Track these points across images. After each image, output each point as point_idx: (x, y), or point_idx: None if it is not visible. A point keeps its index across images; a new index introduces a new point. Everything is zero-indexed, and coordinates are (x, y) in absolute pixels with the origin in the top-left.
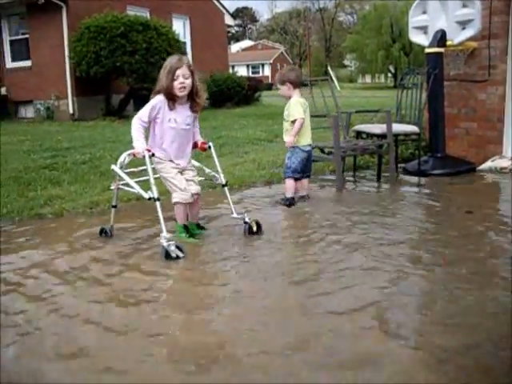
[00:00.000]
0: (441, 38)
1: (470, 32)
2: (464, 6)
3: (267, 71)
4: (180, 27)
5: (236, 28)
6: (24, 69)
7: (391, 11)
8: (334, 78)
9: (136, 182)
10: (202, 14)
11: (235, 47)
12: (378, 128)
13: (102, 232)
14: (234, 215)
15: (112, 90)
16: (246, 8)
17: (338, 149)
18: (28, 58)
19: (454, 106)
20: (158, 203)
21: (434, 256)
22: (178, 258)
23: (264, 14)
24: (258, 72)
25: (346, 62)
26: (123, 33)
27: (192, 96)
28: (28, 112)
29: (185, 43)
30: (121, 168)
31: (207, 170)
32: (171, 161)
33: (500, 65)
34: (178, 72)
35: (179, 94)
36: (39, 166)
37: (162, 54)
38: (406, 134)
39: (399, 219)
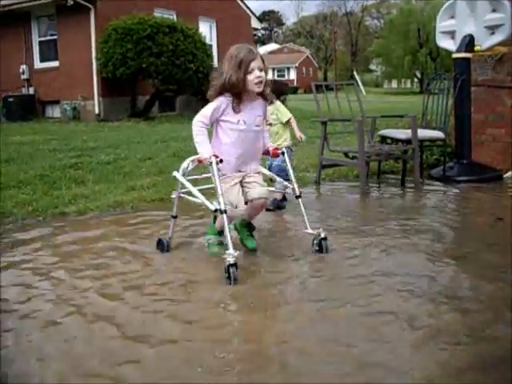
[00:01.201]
0: (469, 43)
1: (499, 37)
2: (494, 10)
3: (293, 75)
4: (206, 30)
5: (262, 31)
6: (52, 69)
7: (418, 16)
8: (359, 83)
9: (199, 190)
10: (228, 16)
11: (261, 50)
12: (403, 133)
13: (159, 244)
14: (309, 230)
15: (138, 92)
16: (272, 11)
17: (362, 153)
18: (56, 59)
19: (480, 111)
20: (224, 216)
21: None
22: (234, 281)
23: (290, 18)
24: (284, 75)
25: (372, 67)
26: (150, 35)
27: (262, 92)
28: (55, 112)
29: (211, 46)
30: (183, 175)
31: (278, 179)
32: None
33: None
34: (253, 64)
35: (256, 89)
36: (64, 165)
37: (187, 57)
38: (432, 140)
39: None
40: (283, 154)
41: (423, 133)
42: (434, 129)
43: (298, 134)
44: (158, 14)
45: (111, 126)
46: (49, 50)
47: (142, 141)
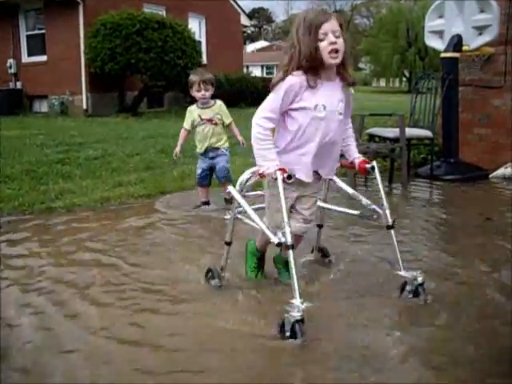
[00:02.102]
0: (457, 43)
1: (487, 37)
2: (481, 11)
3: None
4: (196, 26)
5: (252, 28)
6: (40, 64)
7: (407, 15)
8: None
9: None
10: (218, 13)
11: (250, 47)
12: (391, 132)
13: (209, 273)
14: (402, 273)
15: (126, 87)
16: (262, 9)
17: None
18: (44, 54)
19: (468, 111)
20: (291, 253)
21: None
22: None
23: (280, 15)
24: (273, 73)
25: (361, 65)
26: (139, 30)
27: (341, 66)
28: (42, 107)
29: (200, 42)
30: (241, 191)
31: (364, 201)
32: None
33: None
34: (326, 27)
35: (331, 61)
36: (52, 160)
37: (176, 53)
38: (419, 139)
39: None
40: (373, 169)
41: (411, 131)
42: (421, 128)
43: (240, 137)
44: (148, 9)
45: (99, 122)
46: (36, 45)
47: (130, 137)
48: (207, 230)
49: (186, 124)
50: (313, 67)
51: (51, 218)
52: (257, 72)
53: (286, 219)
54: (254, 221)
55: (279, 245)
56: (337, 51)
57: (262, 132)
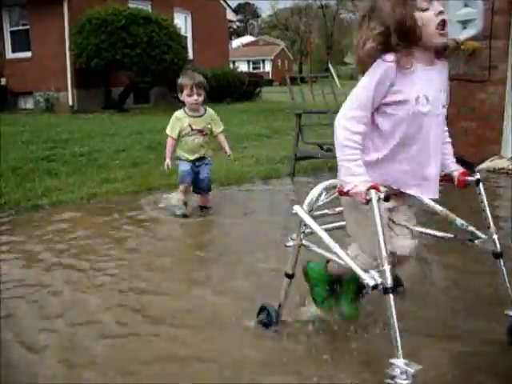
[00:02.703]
0: None
1: (471, 32)
2: (465, 5)
3: (268, 67)
4: (181, 21)
5: (237, 23)
6: (24, 60)
7: None
8: (334, 75)
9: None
10: (203, 8)
11: (236, 42)
12: None
13: (262, 312)
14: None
15: (112, 83)
16: (247, 3)
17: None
18: (28, 49)
19: (453, 105)
20: (391, 298)
21: None
22: None
23: (266, 10)
24: (259, 68)
25: (348, 60)
26: (124, 26)
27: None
28: (27, 103)
29: (186, 37)
30: (310, 212)
31: (459, 221)
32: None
33: (500, 65)
34: None
35: (439, 39)
36: (37, 157)
37: (162, 48)
38: None
39: None
40: (478, 183)
41: None
42: None
43: (229, 150)
44: (133, 4)
45: (85, 118)
46: (21, 40)
47: (117, 133)
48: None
49: (173, 132)
50: (408, 46)
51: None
52: (243, 67)
53: (384, 253)
54: (334, 253)
55: (375, 287)
56: (445, 25)
57: (349, 137)
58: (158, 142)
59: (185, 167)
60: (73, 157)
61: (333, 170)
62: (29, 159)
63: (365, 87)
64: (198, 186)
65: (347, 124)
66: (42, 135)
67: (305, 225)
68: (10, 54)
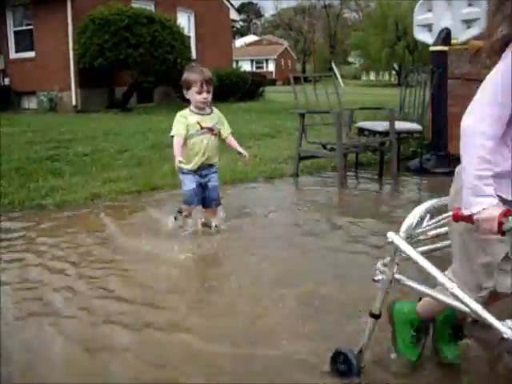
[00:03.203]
0: (445, 37)
1: (475, 31)
2: (469, 4)
3: (271, 67)
4: (185, 21)
5: (241, 23)
6: (28, 60)
7: (396, 9)
8: (337, 75)
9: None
10: (207, 8)
11: (239, 42)
12: (381, 125)
13: (339, 359)
14: None
15: (115, 83)
16: (251, 3)
17: (340, 145)
18: (32, 49)
19: (457, 104)
20: None
21: None
22: None
23: (269, 10)
24: (262, 67)
25: (351, 59)
26: (127, 25)
27: None
28: (31, 103)
29: (189, 37)
30: (408, 238)
31: None
32: None
33: None
34: None
35: None
36: (41, 157)
37: (165, 48)
38: (409, 132)
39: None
40: None
41: (400, 125)
42: (411, 121)
43: (243, 151)
44: (136, 4)
45: (88, 118)
46: (24, 40)
47: (120, 132)
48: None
49: (180, 130)
50: None
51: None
52: (246, 67)
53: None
54: (447, 294)
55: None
56: None
57: (486, 145)
58: (162, 141)
59: (190, 184)
60: (76, 156)
61: (335, 170)
62: (32, 159)
63: (504, 73)
64: (207, 197)
65: (484, 127)
66: (45, 135)
67: (399, 252)
68: (13, 54)
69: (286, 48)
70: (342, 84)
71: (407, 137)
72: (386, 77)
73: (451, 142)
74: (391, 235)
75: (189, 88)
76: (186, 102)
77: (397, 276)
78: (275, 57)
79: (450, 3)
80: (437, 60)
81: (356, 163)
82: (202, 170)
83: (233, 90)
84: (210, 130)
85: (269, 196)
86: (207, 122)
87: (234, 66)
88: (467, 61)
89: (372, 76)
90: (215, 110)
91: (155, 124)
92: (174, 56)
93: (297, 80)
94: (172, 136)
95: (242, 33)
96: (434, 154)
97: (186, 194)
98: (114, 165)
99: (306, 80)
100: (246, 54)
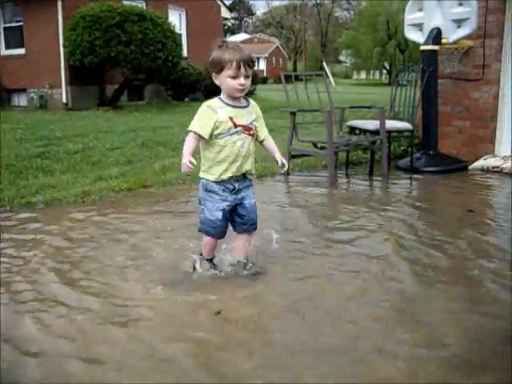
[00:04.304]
0: (436, 36)
1: (465, 31)
2: (460, 4)
3: (262, 65)
4: (176, 19)
5: (232, 21)
6: (18, 57)
7: (387, 8)
8: (328, 74)
9: None
10: (198, 6)
11: (231, 40)
12: (372, 124)
13: None
14: None
15: (106, 80)
16: (242, 1)
17: (331, 144)
18: (22, 46)
19: (447, 103)
20: None
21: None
22: None
23: (260, 8)
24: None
25: (342, 58)
26: (118, 23)
27: None
28: (21, 100)
29: (180, 35)
30: None
31: None
32: None
33: (494, 64)
34: None
35: None
36: (31, 154)
37: (157, 46)
38: (399, 131)
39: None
40: None
41: (391, 124)
42: (401, 120)
43: (281, 158)
44: (127, 1)
45: (79, 115)
46: (14, 37)
47: (110, 130)
48: None
49: (203, 128)
50: None
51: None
52: None
53: None
54: None
55: None
56: None
57: None
58: (152, 139)
59: (217, 203)
60: (67, 154)
61: (326, 169)
62: (22, 157)
63: None
64: (241, 220)
65: None
66: (35, 132)
67: None
68: (3, 51)
69: (277, 46)
70: (333, 83)
71: (398, 136)
72: (377, 76)
73: (441, 141)
74: None
75: (220, 70)
76: (179, 101)
77: None
78: (266, 55)
79: (441, 3)
80: (427, 59)
81: (347, 162)
82: (236, 182)
83: None
84: (247, 128)
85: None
86: (243, 117)
87: None
88: (457, 60)
89: (363, 75)
90: (252, 101)
91: (146, 122)
92: (166, 54)
93: (288, 78)
94: (189, 131)
95: (234, 31)
96: (424, 153)
97: (208, 217)
98: (105, 162)
99: (297, 78)
100: None
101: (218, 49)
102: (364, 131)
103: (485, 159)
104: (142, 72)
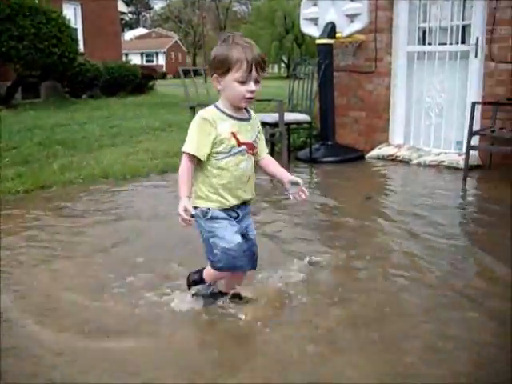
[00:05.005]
0: (331, 30)
1: (357, 25)
2: (352, 0)
3: (161, 60)
4: (71, 13)
5: (130, 15)
6: None
7: (284, 3)
8: None
9: None
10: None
11: (129, 35)
12: (271, 117)
13: None
14: None
15: None
16: None
17: None
18: None
19: (343, 95)
20: None
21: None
22: None
23: (158, 2)
24: (152, 61)
25: None
26: (9, 16)
27: None
28: None
29: (76, 30)
30: None
31: None
32: None
33: (385, 57)
34: None
35: None
36: None
37: (51, 41)
38: (298, 123)
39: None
40: None
41: (290, 116)
42: (300, 112)
43: (292, 176)
44: None
45: None
46: None
47: (5, 130)
48: None
49: (201, 149)
50: None
51: None
52: (136, 60)
53: None
54: None
55: None
56: None
57: None
58: (50, 138)
59: (232, 236)
60: None
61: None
62: None
63: None
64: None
65: None
66: None
67: None
68: None
69: (175, 41)
70: None
71: (297, 128)
72: (276, 69)
73: (338, 131)
74: None
75: (225, 72)
76: (76, 98)
77: None
78: (165, 50)
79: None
80: (323, 53)
81: None
82: (238, 209)
83: (123, 83)
84: (252, 147)
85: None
86: (248, 133)
87: (124, 59)
88: (351, 54)
89: None
90: (253, 112)
91: (43, 120)
92: (61, 49)
93: (187, 73)
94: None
95: (131, 26)
96: (322, 144)
97: (228, 254)
98: (0, 163)
99: (197, 73)
100: (136, 47)
101: (223, 44)
102: (263, 124)
103: (379, 148)
104: (37, 68)
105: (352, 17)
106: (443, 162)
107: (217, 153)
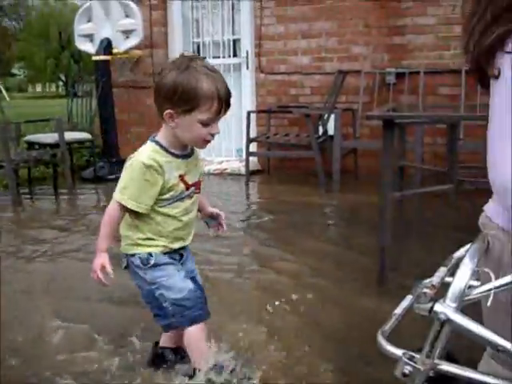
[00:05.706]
0: (107, 46)
1: (133, 41)
2: (127, 15)
3: None
4: None
5: None
6: None
7: (58, 18)
8: (2, 89)
9: None
10: None
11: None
12: (50, 137)
13: None
14: None
15: None
16: None
17: (8, 162)
18: None
19: (124, 111)
20: None
21: None
22: None
23: None
24: None
25: (15, 71)
26: None
27: None
28: None
29: None
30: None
31: None
32: None
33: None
34: None
35: None
36: None
37: None
38: (80, 142)
39: None
40: None
41: (70, 135)
42: (80, 131)
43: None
44: None
45: None
46: None
47: None
48: None
49: (144, 203)
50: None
51: None
52: None
53: None
54: None
55: None
56: None
57: None
58: None
59: (182, 281)
60: None
61: (7, 189)
62: None
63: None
64: None
65: None
66: None
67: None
68: None
69: None
70: (7, 97)
71: (79, 146)
72: (54, 88)
73: (123, 147)
74: (440, 308)
75: (189, 110)
76: None
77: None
78: None
79: (109, 14)
80: (100, 69)
81: (29, 179)
82: (179, 251)
83: None
84: (198, 186)
85: None
86: (195, 171)
87: None
88: (129, 69)
89: (39, 87)
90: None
91: None
92: None
93: None
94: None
95: None
96: (106, 161)
97: (181, 306)
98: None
99: None
100: None
101: (185, 71)
102: (44, 145)
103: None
104: None
105: (127, 32)
106: (226, 169)
107: (162, 200)
